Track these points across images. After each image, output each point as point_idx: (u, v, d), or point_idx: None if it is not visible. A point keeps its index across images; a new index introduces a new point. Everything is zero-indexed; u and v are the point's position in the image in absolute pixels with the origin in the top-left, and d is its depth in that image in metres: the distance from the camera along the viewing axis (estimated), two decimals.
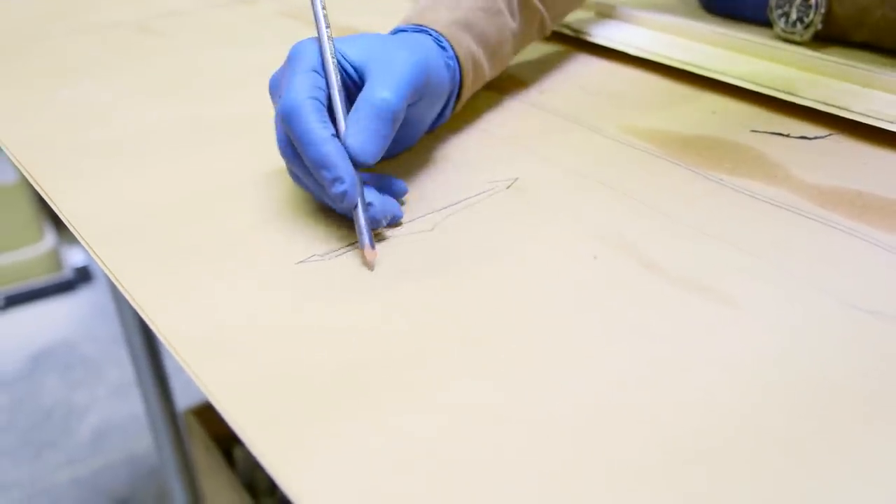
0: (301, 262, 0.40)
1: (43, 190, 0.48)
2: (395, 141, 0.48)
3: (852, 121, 0.49)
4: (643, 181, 0.46)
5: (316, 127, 0.40)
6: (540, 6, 0.56)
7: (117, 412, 1.55)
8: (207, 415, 1.05)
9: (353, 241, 0.42)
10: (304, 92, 0.41)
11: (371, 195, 0.42)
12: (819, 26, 0.60)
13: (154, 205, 0.46)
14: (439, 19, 0.50)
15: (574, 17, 0.68)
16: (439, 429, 0.30)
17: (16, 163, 0.52)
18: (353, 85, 0.44)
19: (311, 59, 0.42)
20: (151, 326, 0.37)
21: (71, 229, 0.45)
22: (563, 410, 0.31)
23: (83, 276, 1.89)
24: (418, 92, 0.43)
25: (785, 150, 0.48)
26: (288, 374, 0.33)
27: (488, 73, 0.54)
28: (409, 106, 0.44)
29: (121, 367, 1.65)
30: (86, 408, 1.56)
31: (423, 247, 0.41)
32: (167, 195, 0.47)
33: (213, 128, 0.55)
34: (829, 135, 0.49)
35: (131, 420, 1.53)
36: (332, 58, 0.43)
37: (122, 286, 0.39)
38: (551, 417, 0.30)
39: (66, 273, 1.87)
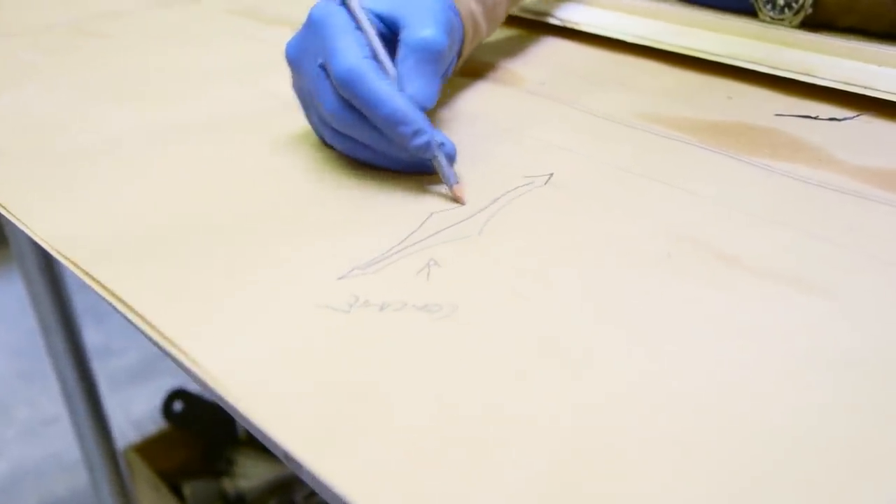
0: (342, 277, 0.36)
1: (9, 212, 0.41)
2: None
3: (877, 100, 0.48)
4: (686, 171, 0.43)
5: (381, 85, 0.39)
6: None
7: (29, 455, 1.43)
8: (151, 451, 0.97)
9: (388, 248, 0.37)
10: (356, 53, 0.40)
11: (438, 135, 0.41)
12: (809, 10, 0.59)
13: (141, 221, 0.40)
14: None
15: (554, 4, 0.64)
16: (514, 433, 0.26)
17: None
18: (386, 36, 0.43)
19: (343, 19, 0.41)
20: (178, 355, 0.32)
21: (54, 254, 0.38)
22: (664, 417, 0.27)
23: None
24: (452, 33, 0.43)
25: (817, 132, 0.47)
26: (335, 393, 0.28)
27: (486, 31, 0.54)
28: None
29: (32, 406, 1.52)
30: None
31: (472, 254, 0.37)
32: (153, 209, 0.41)
33: (182, 132, 0.49)
34: (858, 115, 0.48)
35: (47, 462, 1.41)
36: (363, 13, 0.42)
37: (138, 314, 0.34)
38: (649, 426, 0.27)
39: None
